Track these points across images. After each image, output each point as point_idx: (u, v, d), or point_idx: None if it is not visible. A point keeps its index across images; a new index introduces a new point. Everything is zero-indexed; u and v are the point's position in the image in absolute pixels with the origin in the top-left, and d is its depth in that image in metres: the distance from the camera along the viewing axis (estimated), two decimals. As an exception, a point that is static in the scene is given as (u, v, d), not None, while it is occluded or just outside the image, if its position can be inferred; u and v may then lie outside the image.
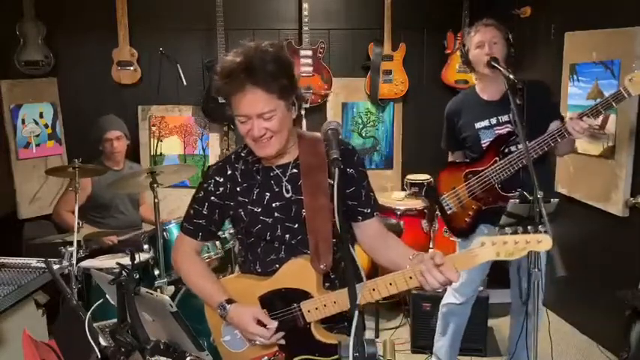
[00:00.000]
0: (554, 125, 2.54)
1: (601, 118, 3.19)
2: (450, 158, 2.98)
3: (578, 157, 3.46)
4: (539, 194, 2.06)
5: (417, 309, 3.33)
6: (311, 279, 1.64)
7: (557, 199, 2.19)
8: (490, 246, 1.48)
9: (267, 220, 1.69)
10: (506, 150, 2.60)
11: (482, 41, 2.56)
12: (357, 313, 1.26)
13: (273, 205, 1.69)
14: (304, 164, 1.69)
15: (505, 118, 2.63)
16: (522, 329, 2.53)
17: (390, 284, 1.55)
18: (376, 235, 1.78)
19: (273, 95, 1.54)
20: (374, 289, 1.55)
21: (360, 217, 1.77)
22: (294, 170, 1.71)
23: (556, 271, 1.93)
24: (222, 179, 1.72)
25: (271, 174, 1.71)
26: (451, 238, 3.12)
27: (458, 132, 2.76)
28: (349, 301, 1.35)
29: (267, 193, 1.70)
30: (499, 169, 2.57)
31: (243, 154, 1.75)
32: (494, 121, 2.64)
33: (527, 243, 1.48)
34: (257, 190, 1.70)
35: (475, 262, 1.50)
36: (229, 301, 1.67)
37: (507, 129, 2.62)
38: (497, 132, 2.63)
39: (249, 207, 1.70)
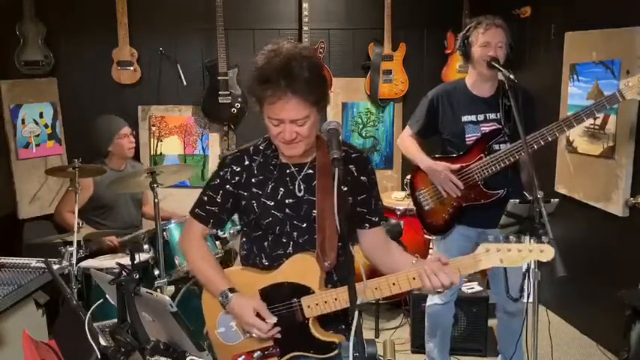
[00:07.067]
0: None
1: (601, 117, 3.20)
2: (406, 143, 2.83)
3: (578, 157, 3.46)
4: (539, 194, 2.06)
5: (417, 309, 3.33)
6: (314, 275, 1.66)
7: (557, 199, 2.20)
8: (495, 252, 1.53)
9: (278, 214, 1.72)
10: (492, 148, 2.61)
11: (489, 42, 2.55)
12: (356, 313, 1.27)
13: (286, 201, 1.72)
14: (319, 165, 1.73)
15: (492, 116, 2.63)
16: (522, 329, 2.53)
17: (394, 284, 1.60)
18: (380, 244, 1.82)
19: (309, 103, 1.57)
20: (376, 288, 1.58)
21: (367, 225, 1.80)
22: (310, 171, 1.74)
23: (556, 271, 1.93)
24: (238, 168, 1.75)
25: (287, 171, 1.74)
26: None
27: (439, 120, 2.71)
28: (349, 300, 1.35)
29: (282, 189, 1.72)
30: (484, 166, 2.57)
31: (262, 148, 1.77)
32: (481, 117, 2.65)
33: (530, 252, 1.52)
34: (272, 184, 1.73)
35: (478, 267, 1.56)
36: (232, 290, 1.70)
37: (493, 127, 2.62)
38: (482, 128, 2.63)
39: (262, 199, 1.72)
